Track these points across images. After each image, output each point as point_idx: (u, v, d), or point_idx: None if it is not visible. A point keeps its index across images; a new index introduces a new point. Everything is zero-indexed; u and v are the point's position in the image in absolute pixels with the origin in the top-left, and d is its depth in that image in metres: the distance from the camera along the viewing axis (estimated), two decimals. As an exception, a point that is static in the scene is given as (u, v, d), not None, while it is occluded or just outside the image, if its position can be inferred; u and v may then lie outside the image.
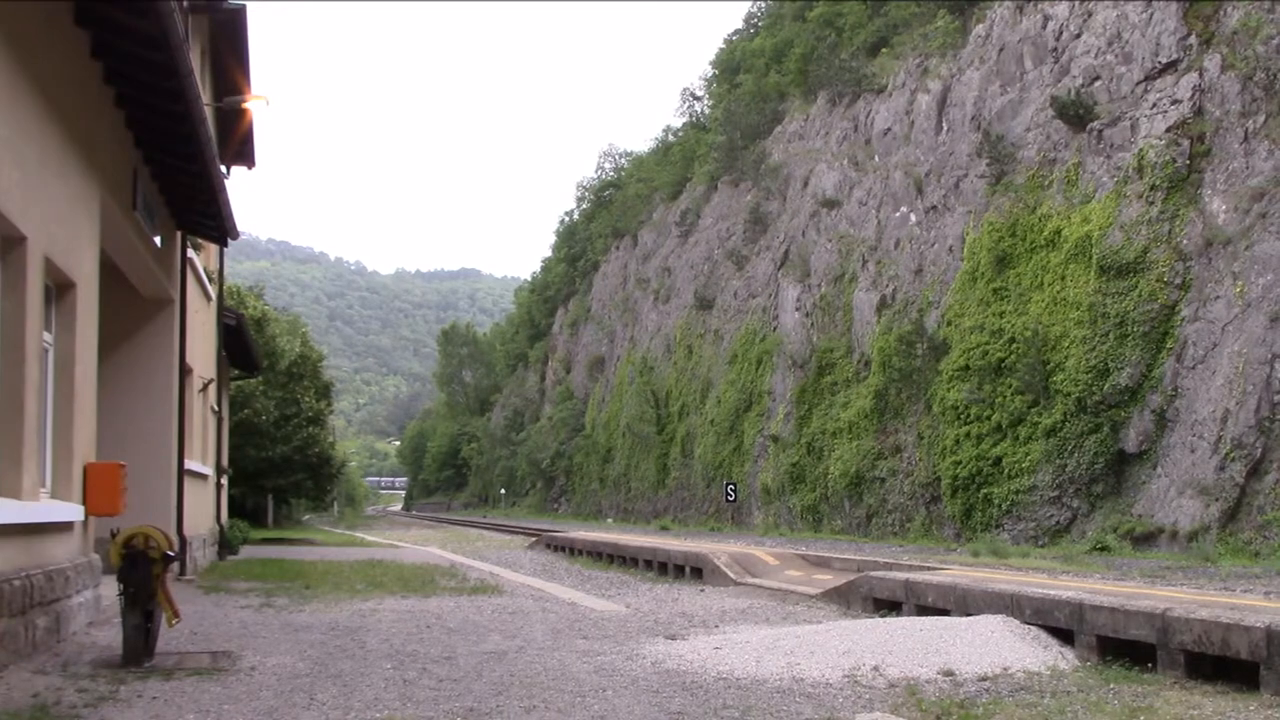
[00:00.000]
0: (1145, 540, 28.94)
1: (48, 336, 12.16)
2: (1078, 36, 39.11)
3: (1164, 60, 34.08)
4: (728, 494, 56.42)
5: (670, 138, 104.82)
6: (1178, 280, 30.68)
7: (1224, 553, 25.09)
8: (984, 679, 10.10)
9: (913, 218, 46.76)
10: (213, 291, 26.29)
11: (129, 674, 9.93)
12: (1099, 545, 28.55)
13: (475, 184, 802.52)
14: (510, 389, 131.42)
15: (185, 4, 18.76)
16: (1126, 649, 10.69)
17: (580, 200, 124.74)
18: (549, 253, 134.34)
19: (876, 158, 52.77)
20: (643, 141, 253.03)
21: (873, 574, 16.82)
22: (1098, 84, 36.91)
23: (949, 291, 41.68)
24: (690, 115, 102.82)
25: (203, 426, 25.75)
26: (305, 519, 78.02)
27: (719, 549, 25.82)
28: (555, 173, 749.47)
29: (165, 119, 14.24)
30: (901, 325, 43.67)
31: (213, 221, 19.19)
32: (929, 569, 17.97)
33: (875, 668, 10.56)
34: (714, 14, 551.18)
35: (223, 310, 28.17)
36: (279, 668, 10.51)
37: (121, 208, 14.48)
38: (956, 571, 17.16)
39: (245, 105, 24.17)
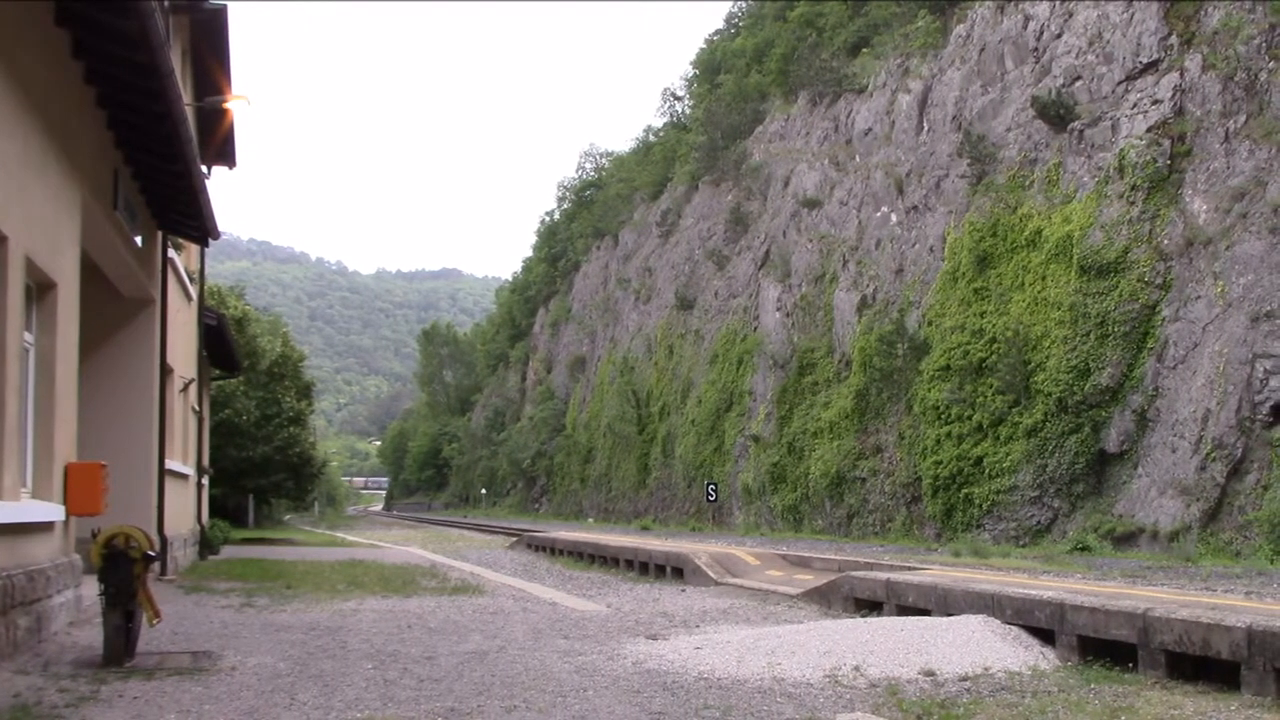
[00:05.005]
0: (1126, 540, 29.02)
1: (28, 336, 12.12)
2: (1058, 36, 39.22)
3: (1145, 60, 34.19)
4: (709, 494, 56.39)
5: (651, 138, 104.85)
6: (1159, 280, 30.78)
7: (1205, 553, 25.18)
8: (965, 679, 10.13)
9: (893, 218, 46.83)
10: (193, 291, 26.23)
11: (110, 674, 9.91)
12: (1080, 545, 28.62)
13: (456, 184, 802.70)
14: (491, 389, 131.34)
15: (166, 4, 18.71)
16: (1107, 649, 10.72)
17: (561, 200, 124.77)
18: (530, 253, 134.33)
19: (857, 158, 52.83)
20: (624, 141, 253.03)
21: (854, 574, 16.85)
22: (1078, 84, 37.01)
23: (930, 291, 41.76)
24: (671, 115, 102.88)
25: (183, 426, 25.68)
26: (286, 519, 77.86)
27: (700, 549, 25.83)
28: (536, 173, 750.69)
29: (146, 119, 14.20)
30: (882, 325, 43.73)
31: (194, 221, 19.15)
32: (910, 569, 18.00)
33: (856, 668, 10.58)
34: (695, 14, 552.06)
35: (203, 310, 28.11)
36: (260, 668, 10.50)
37: (103, 208, 14.44)
38: (937, 571, 17.19)
39: (226, 105, 24.11)
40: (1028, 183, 37.68)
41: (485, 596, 18.79)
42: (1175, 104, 32.22)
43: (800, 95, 63.95)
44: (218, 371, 35.45)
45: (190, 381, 26.22)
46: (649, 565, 24.96)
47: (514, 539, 41.93)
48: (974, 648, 11.22)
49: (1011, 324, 35.20)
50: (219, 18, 22.69)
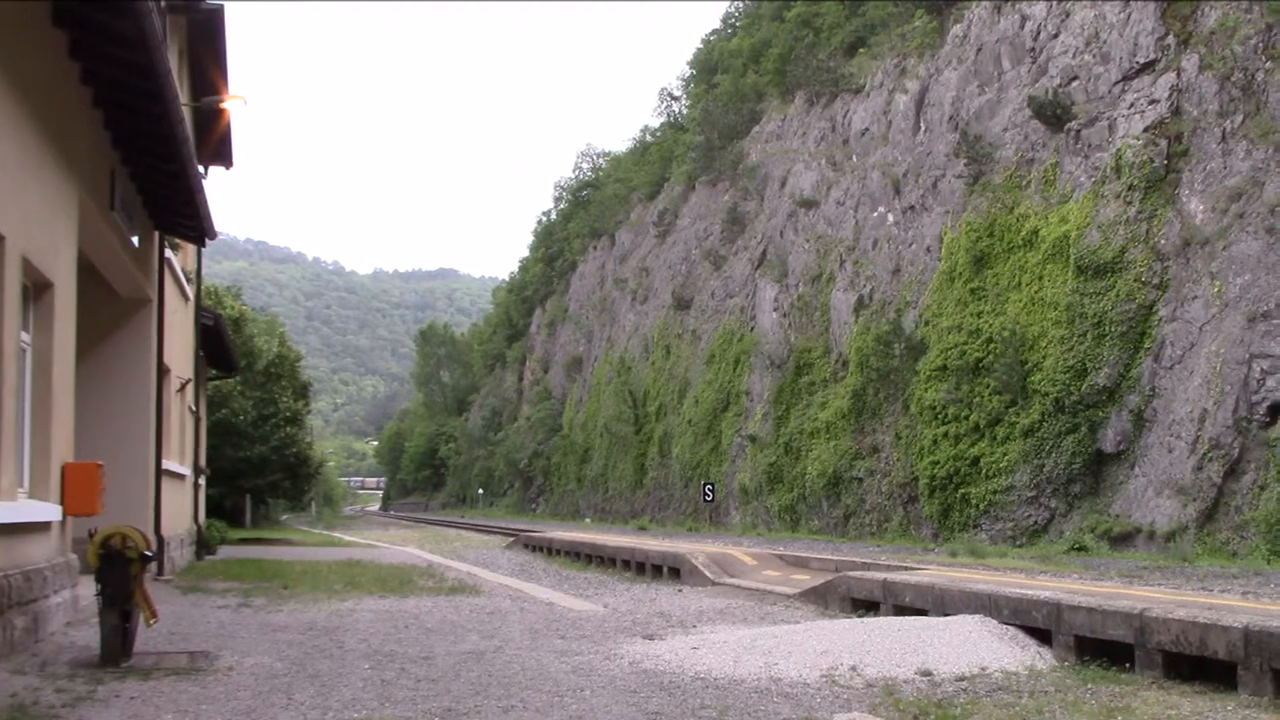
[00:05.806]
0: (1123, 540, 29.04)
1: (25, 336, 12.11)
2: (1055, 36, 39.24)
3: (1142, 60, 34.21)
4: (705, 494, 56.42)
5: (648, 138, 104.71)
6: (1155, 280, 30.80)
7: (1201, 553, 25.20)
8: (961, 679, 10.13)
9: (890, 218, 46.84)
10: (190, 291, 26.19)
11: (107, 674, 9.90)
12: (1076, 545, 28.65)
13: (453, 184, 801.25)
14: (488, 389, 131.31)
15: (163, 4, 18.70)
16: (1104, 649, 10.72)
17: (558, 200, 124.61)
18: (527, 253, 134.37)
19: (854, 158, 52.86)
20: (620, 142, 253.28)
21: (850, 574, 16.84)
22: (1075, 84, 37.03)
23: (927, 291, 41.77)
24: (668, 115, 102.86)
25: (180, 426, 25.64)
26: (283, 519, 77.78)
27: (697, 549, 25.82)
28: (533, 173, 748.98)
29: (143, 119, 14.17)
30: (879, 325, 43.76)
31: (190, 222, 19.10)
32: (907, 569, 18.00)
33: (853, 668, 10.57)
34: (692, 14, 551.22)
35: (200, 310, 28.07)
36: (257, 668, 10.49)
37: (99, 208, 14.42)
38: (934, 571, 17.19)
39: (223, 105, 24.10)
40: (1024, 183, 37.70)
41: (482, 596, 18.78)
42: (1172, 104, 32.24)
43: (797, 95, 64.01)
44: (214, 371, 35.41)
45: (187, 381, 26.20)
46: (646, 565, 24.95)
47: (511, 539, 41.90)
48: (971, 648, 11.22)
49: (1008, 324, 35.22)
50: (216, 18, 22.65)
